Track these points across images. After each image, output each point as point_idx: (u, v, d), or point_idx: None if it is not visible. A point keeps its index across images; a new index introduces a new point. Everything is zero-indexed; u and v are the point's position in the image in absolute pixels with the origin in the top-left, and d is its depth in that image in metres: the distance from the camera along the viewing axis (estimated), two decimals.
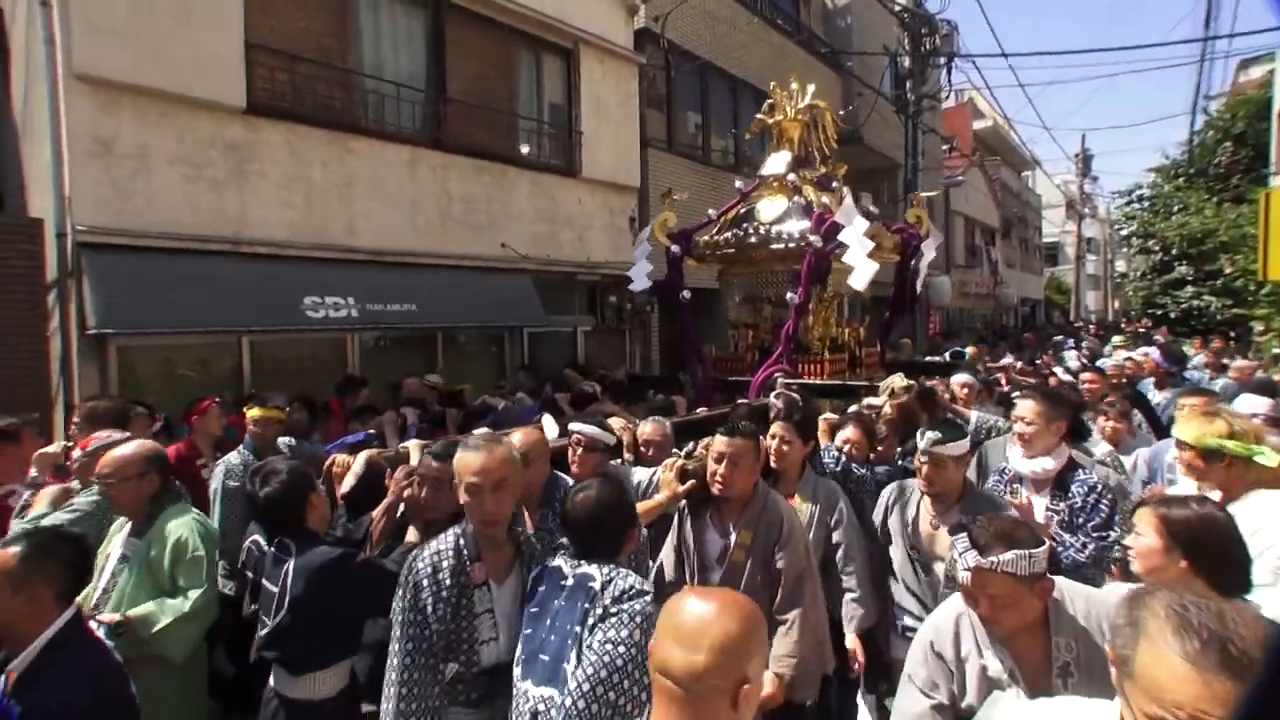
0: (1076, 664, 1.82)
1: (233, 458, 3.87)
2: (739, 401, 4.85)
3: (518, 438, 2.77)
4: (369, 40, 7.04)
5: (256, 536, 2.79)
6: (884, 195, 17.86)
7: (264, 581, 2.45)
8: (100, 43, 5.15)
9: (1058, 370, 6.31)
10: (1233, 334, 13.74)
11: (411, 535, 2.61)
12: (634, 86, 9.61)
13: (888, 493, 3.09)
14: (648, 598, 1.85)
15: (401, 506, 2.70)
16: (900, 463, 3.79)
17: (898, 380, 4.71)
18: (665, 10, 9.87)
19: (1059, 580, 1.94)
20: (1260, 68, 17.12)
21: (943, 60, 14.97)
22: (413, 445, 3.24)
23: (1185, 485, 3.19)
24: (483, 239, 7.79)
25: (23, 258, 4.79)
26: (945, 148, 20.33)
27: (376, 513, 2.72)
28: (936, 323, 17.02)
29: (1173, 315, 16.13)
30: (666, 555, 2.89)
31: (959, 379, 5.07)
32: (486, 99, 8.02)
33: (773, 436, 3.14)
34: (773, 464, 3.12)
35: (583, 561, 1.98)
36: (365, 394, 5.83)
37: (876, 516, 3.10)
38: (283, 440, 4.10)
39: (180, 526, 2.69)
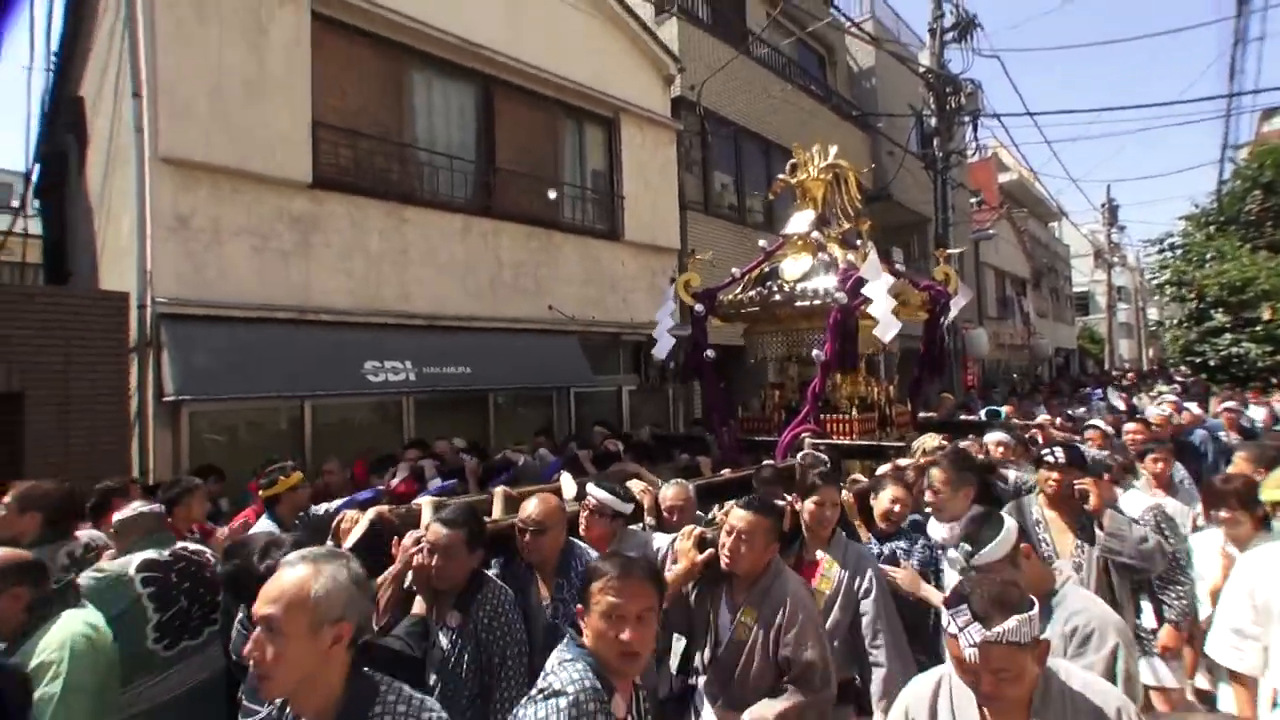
0: None
1: (259, 528, 3.70)
2: (764, 464, 4.71)
3: (534, 504, 2.72)
4: (422, 115, 7.38)
5: (242, 617, 2.55)
6: (914, 249, 18.00)
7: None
8: (182, 127, 5.47)
9: (1098, 423, 6.02)
10: (1275, 380, 13.46)
11: (418, 606, 2.49)
12: (672, 152, 9.90)
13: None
14: (552, 701, 1.65)
15: (410, 575, 2.54)
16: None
17: (929, 440, 4.57)
18: (700, 79, 10.24)
19: (1058, 661, 1.81)
20: None
21: (967, 118, 15.24)
22: (425, 502, 3.09)
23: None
24: (531, 302, 7.96)
25: (110, 329, 5.01)
26: (973, 201, 20.50)
27: (382, 580, 2.56)
28: (975, 375, 16.80)
29: (1212, 363, 15.87)
30: (696, 635, 2.77)
31: (993, 437, 4.98)
32: (533, 167, 8.31)
33: (819, 504, 2.99)
34: (804, 527, 3.02)
35: None
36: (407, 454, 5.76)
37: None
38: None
39: (48, 648, 2.21)
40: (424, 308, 6.93)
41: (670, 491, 3.51)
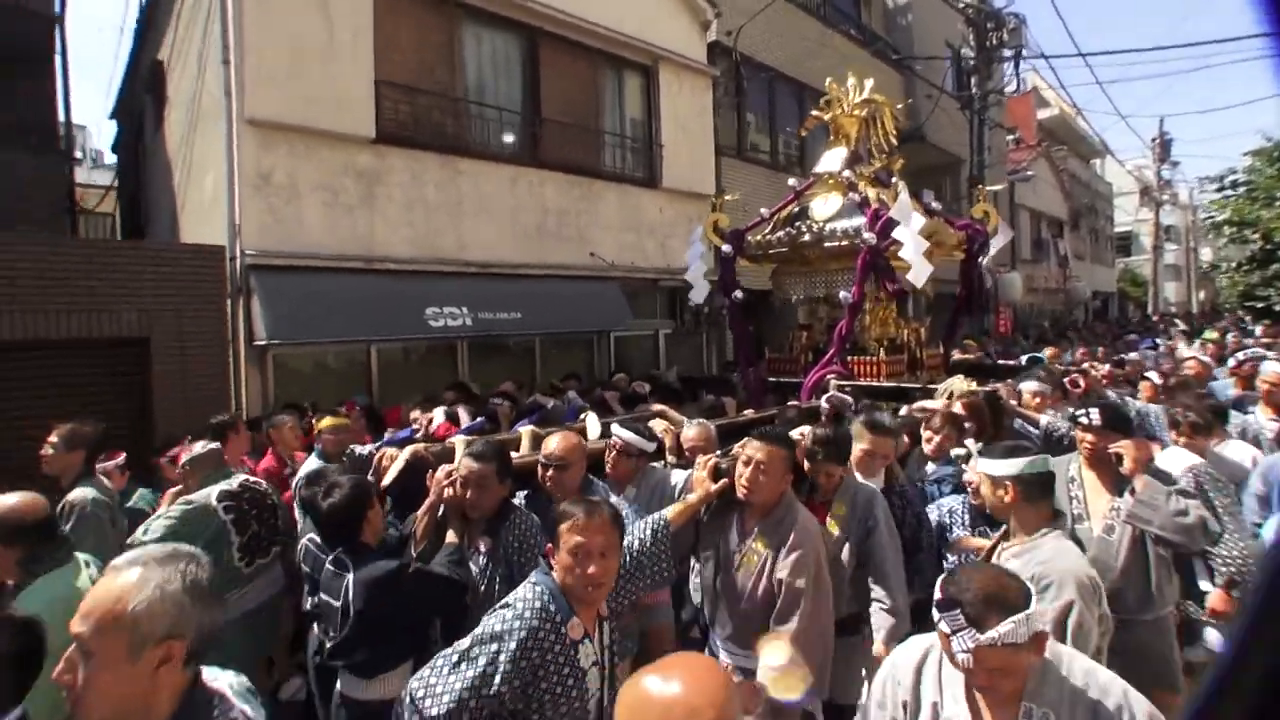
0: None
1: (311, 464, 3.98)
2: (789, 404, 4.81)
3: (556, 441, 2.93)
4: (473, 69, 7.73)
5: (312, 535, 2.89)
6: (946, 191, 17.82)
7: (322, 595, 2.55)
8: (265, 91, 5.94)
9: (1151, 375, 5.75)
10: None
11: (451, 536, 2.66)
12: (708, 99, 10.10)
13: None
14: (501, 612, 1.96)
15: (442, 506, 2.73)
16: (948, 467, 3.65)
17: (958, 383, 4.51)
18: (735, 23, 10.32)
19: (1060, 648, 1.79)
20: None
21: (1008, 54, 14.93)
22: (458, 440, 3.29)
23: None
24: (574, 249, 8.41)
25: (209, 280, 5.61)
26: (1010, 139, 20.12)
27: (420, 512, 2.76)
28: (1007, 320, 16.84)
29: (1277, 308, 15.50)
30: (702, 559, 2.84)
31: (1029, 386, 4.75)
32: (576, 117, 8.64)
33: (868, 453, 3.12)
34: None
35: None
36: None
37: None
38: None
39: (40, 603, 2.09)
40: (478, 256, 7.44)
41: (692, 431, 3.63)
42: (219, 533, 3.11)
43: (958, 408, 3.94)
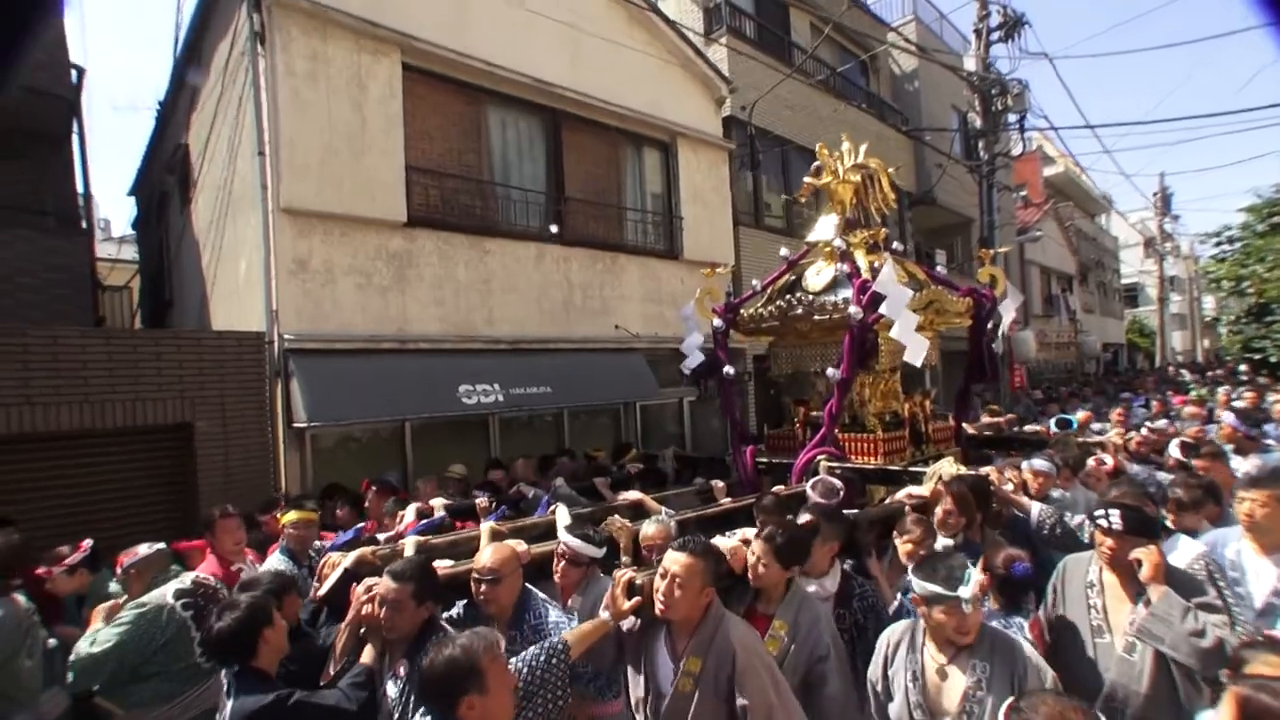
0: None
1: (271, 564, 3.75)
2: (769, 491, 4.47)
3: (488, 554, 2.76)
4: (498, 151, 7.94)
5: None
6: (959, 251, 18.07)
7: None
8: (299, 181, 6.09)
9: (1173, 450, 5.35)
10: None
11: (366, 655, 2.51)
12: (725, 171, 10.33)
13: (892, 635, 2.58)
14: None
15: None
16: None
17: (946, 467, 4.20)
18: (749, 97, 10.63)
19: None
20: None
21: (1013, 119, 15.29)
22: (409, 543, 3.19)
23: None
24: (599, 322, 8.48)
25: (250, 365, 5.66)
26: (1017, 197, 20.42)
27: (341, 626, 2.62)
28: (1021, 377, 16.77)
29: (1272, 359, 15.63)
30: (631, 676, 2.64)
31: (1035, 465, 4.42)
32: (598, 194, 8.83)
33: (752, 553, 2.83)
34: (751, 580, 2.83)
35: None
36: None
37: (876, 664, 2.58)
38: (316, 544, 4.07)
39: None
40: (507, 332, 7.50)
41: (650, 530, 3.38)
42: (180, 630, 3.08)
43: (944, 502, 3.59)
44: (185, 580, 3.27)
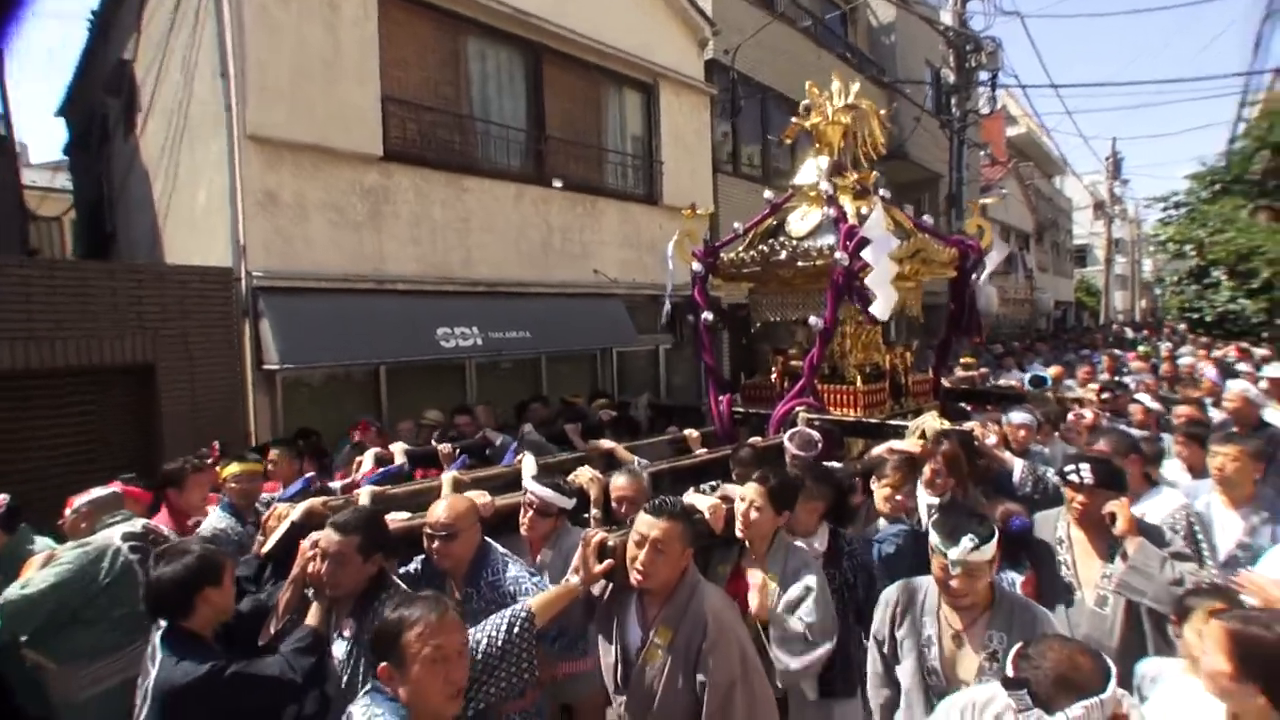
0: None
1: (212, 522, 3.46)
2: (744, 442, 4.30)
3: (441, 507, 2.57)
4: (478, 85, 7.57)
5: None
6: (925, 206, 18.17)
7: (138, 681, 2.17)
8: (269, 107, 5.69)
9: (1142, 398, 5.48)
10: (1264, 336, 14.04)
11: (312, 616, 2.33)
12: (707, 116, 10.09)
13: (891, 596, 2.49)
14: None
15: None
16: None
17: (929, 421, 4.09)
18: (733, 43, 10.34)
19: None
20: None
21: (985, 77, 15.28)
22: (363, 493, 3.01)
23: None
24: (578, 266, 8.29)
25: (218, 302, 5.34)
26: (983, 154, 20.61)
27: (285, 584, 2.43)
28: (981, 334, 17.16)
29: (1208, 318, 16.35)
30: (601, 642, 2.49)
31: (1016, 418, 4.46)
32: (578, 135, 8.53)
33: (742, 499, 2.70)
34: (738, 532, 2.70)
35: None
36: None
37: (883, 622, 2.49)
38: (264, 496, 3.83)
39: None
40: (486, 274, 7.27)
41: (621, 481, 3.22)
42: (125, 572, 2.87)
43: (934, 461, 3.50)
44: (136, 524, 3.08)
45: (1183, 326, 19.32)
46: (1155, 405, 5.72)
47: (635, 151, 9.37)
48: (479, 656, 2.00)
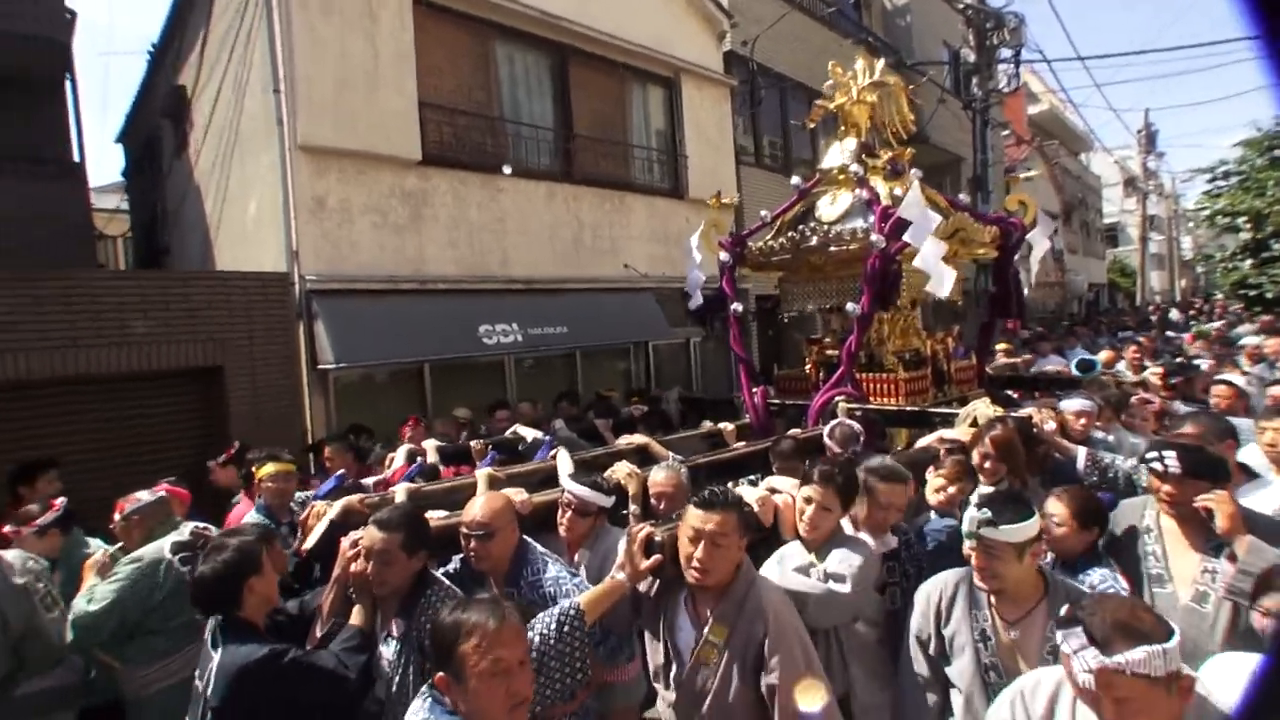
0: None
1: (251, 520, 3.48)
2: (787, 434, 4.15)
3: (478, 505, 2.51)
4: (508, 88, 7.81)
5: None
6: (947, 190, 18.07)
7: (195, 674, 2.18)
8: (317, 117, 5.99)
9: (1233, 379, 4.98)
10: None
11: (356, 616, 2.30)
12: (728, 108, 10.24)
13: (933, 591, 2.31)
14: None
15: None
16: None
17: (981, 408, 3.87)
18: (751, 34, 10.47)
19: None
20: None
21: (1008, 54, 15.16)
22: (400, 491, 2.95)
23: None
24: (609, 261, 8.51)
25: (277, 306, 5.65)
26: (1005, 134, 20.41)
27: (328, 585, 2.42)
28: (1015, 320, 16.92)
29: (1269, 295, 15.72)
30: (649, 642, 2.39)
31: (1075, 404, 4.10)
32: (605, 132, 8.74)
33: (807, 500, 2.54)
34: (803, 533, 2.58)
35: None
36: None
37: (926, 619, 2.31)
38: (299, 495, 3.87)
39: None
40: (521, 272, 7.51)
41: (659, 476, 3.09)
42: (178, 584, 2.88)
43: (983, 445, 3.21)
44: (184, 531, 3.09)
45: (1237, 305, 18.58)
46: (1248, 387, 5.13)
47: (660, 146, 9.56)
48: (532, 656, 1.87)
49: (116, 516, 3.26)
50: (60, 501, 3.43)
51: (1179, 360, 7.08)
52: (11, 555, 3.02)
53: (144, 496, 3.30)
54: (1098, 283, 33.05)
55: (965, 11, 14.82)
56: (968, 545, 2.16)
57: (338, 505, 2.72)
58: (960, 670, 2.20)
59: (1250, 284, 16.13)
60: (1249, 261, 16.33)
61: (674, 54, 9.32)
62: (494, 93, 7.62)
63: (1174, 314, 21.89)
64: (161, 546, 2.99)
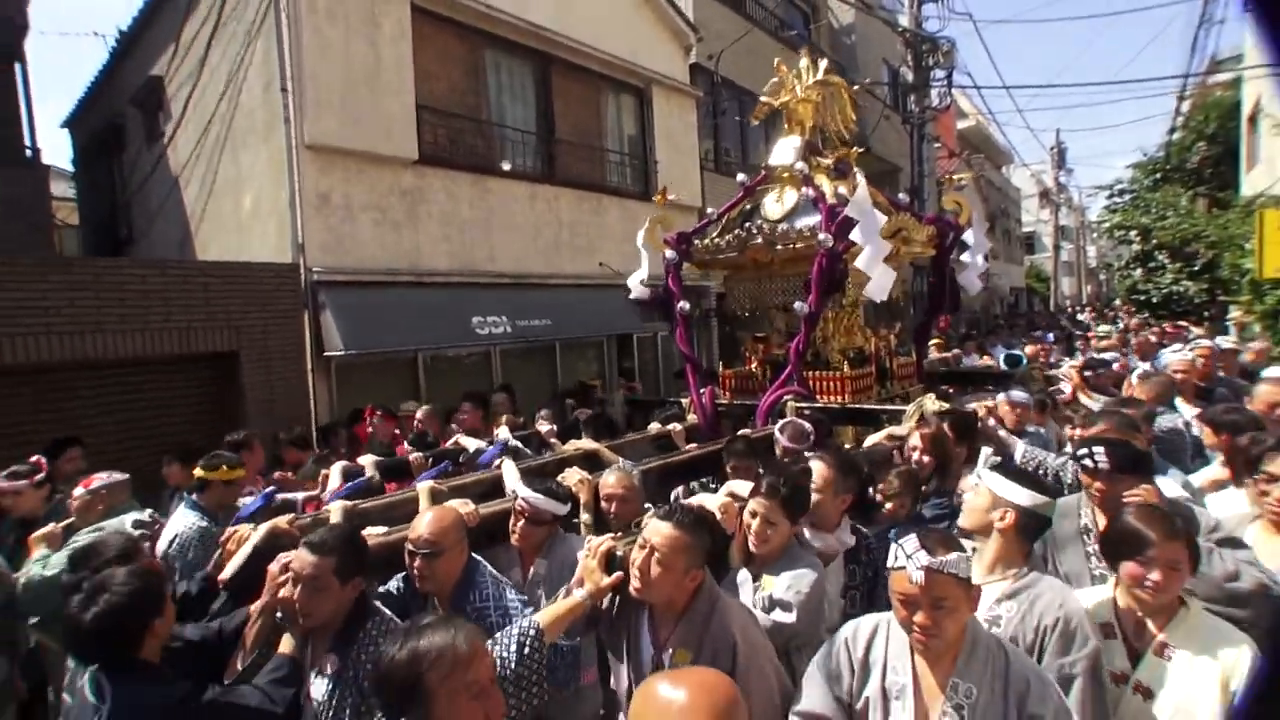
0: (970, 712, 1.66)
1: (182, 523, 3.16)
2: (738, 434, 3.97)
3: (424, 521, 2.32)
4: (494, 94, 8.21)
5: None
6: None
7: None
8: (323, 117, 6.27)
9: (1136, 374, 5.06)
10: (1206, 316, 15.28)
11: (285, 644, 2.09)
12: (693, 117, 10.87)
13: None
14: None
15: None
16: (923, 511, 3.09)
17: (929, 402, 3.85)
18: (715, 49, 11.13)
19: (980, 628, 1.80)
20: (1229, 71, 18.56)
21: (941, 75, 16.35)
22: (334, 509, 2.75)
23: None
24: (586, 259, 8.99)
25: (288, 296, 5.92)
26: (935, 146, 21.80)
27: (252, 613, 2.17)
28: (946, 318, 18.24)
29: (1154, 300, 17.53)
30: (612, 662, 2.30)
31: (1013, 396, 4.14)
32: (583, 137, 9.22)
33: (752, 514, 2.43)
34: (752, 548, 2.45)
35: None
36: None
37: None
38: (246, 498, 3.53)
39: None
40: (508, 268, 7.93)
41: (611, 479, 2.97)
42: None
43: (912, 440, 3.31)
44: (145, 513, 3.03)
45: (1127, 308, 20.56)
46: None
47: (632, 151, 10.10)
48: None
49: (78, 491, 3.23)
50: (102, 476, 3.37)
51: (1093, 357, 7.75)
52: None
53: (103, 477, 3.32)
54: (1018, 286, 35.31)
55: (904, 34, 15.91)
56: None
57: (262, 528, 2.44)
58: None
59: (1139, 290, 17.92)
60: (1139, 270, 18.11)
61: (645, 65, 9.87)
62: (483, 97, 8.01)
63: (1082, 316, 24.14)
64: (123, 521, 2.91)
